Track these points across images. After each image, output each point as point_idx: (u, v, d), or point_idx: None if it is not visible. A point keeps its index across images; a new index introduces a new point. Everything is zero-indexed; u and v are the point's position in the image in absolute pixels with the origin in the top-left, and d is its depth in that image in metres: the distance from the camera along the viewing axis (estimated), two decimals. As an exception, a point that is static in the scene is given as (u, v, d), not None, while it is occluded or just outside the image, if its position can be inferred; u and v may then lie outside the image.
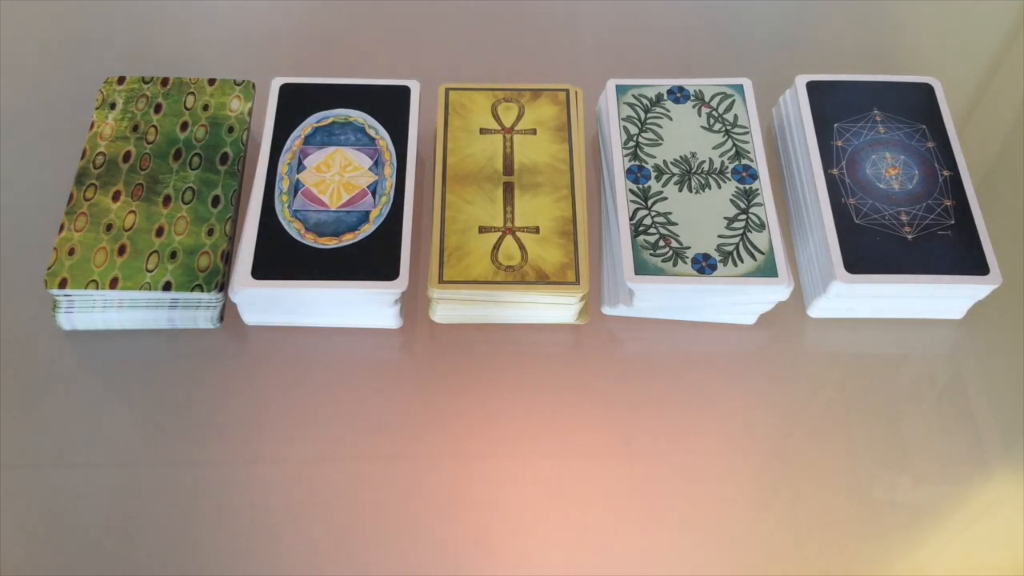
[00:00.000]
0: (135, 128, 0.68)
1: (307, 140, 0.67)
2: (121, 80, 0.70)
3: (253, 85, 0.71)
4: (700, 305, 0.65)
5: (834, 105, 0.70)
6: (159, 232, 0.63)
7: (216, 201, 0.65)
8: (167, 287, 0.61)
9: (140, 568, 0.56)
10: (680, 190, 0.65)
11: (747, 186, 0.66)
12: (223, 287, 0.62)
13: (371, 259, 0.61)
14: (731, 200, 0.65)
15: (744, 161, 0.67)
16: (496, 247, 0.63)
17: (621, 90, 0.70)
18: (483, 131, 0.68)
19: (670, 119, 0.69)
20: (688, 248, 0.63)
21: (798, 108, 0.70)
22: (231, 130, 0.69)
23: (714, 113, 0.69)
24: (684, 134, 0.68)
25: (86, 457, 0.60)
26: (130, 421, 0.61)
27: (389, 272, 0.61)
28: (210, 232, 0.64)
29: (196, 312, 0.63)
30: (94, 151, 0.67)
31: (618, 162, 0.67)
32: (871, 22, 0.84)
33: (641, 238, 0.63)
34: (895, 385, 0.65)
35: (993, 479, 0.61)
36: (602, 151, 0.71)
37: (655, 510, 0.59)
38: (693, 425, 0.62)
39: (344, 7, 0.83)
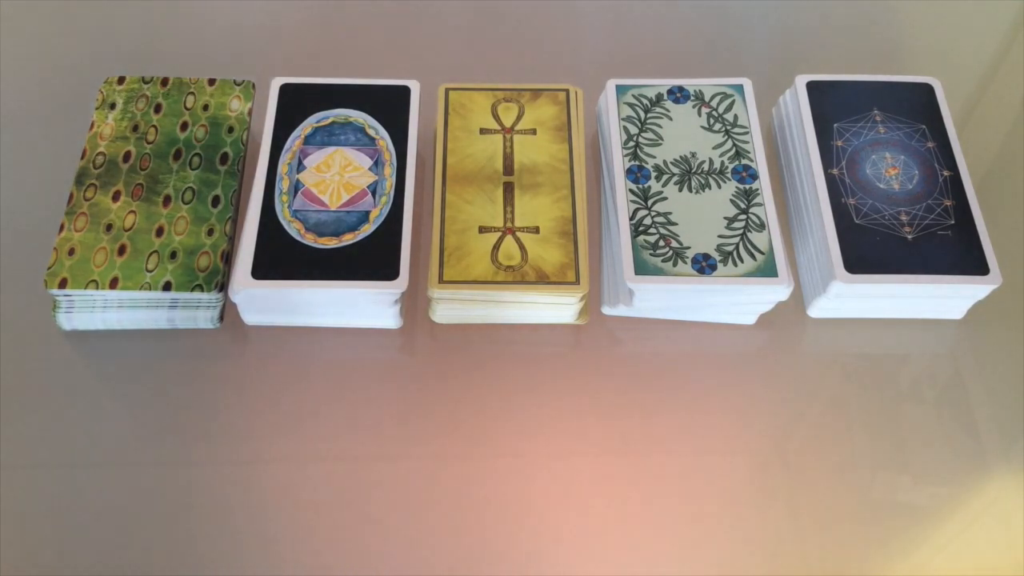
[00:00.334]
0: (135, 128, 0.68)
1: (307, 140, 0.67)
2: (121, 80, 0.70)
3: (253, 85, 0.71)
4: (700, 305, 0.65)
5: (834, 105, 0.70)
6: (159, 232, 0.63)
7: (216, 201, 0.65)
8: (167, 287, 0.61)
9: (140, 568, 0.56)
10: (680, 190, 0.65)
11: (747, 186, 0.66)
12: (223, 287, 0.62)
13: (371, 259, 0.61)
14: (731, 200, 0.65)
15: (744, 161, 0.67)
16: (496, 247, 0.63)
17: (621, 90, 0.70)
18: (483, 131, 0.68)
19: (670, 119, 0.69)
20: (688, 248, 0.63)
21: (798, 108, 0.70)
22: (231, 130, 0.69)
23: (714, 113, 0.69)
24: (684, 134, 0.68)
25: (86, 457, 0.60)
26: (130, 421, 0.61)
27: (389, 272, 0.61)
28: (210, 232, 0.64)
29: (196, 312, 0.63)
30: (94, 151, 0.67)
31: (618, 162, 0.67)
32: (871, 22, 0.84)
33: (641, 238, 0.63)
34: (895, 385, 0.65)
35: (993, 479, 0.61)
36: (602, 151, 0.71)
37: (655, 510, 0.59)
38: (693, 425, 0.62)
39: (344, 7, 0.83)
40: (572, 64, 0.80)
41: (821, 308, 0.66)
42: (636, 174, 0.66)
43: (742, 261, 0.62)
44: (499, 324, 0.66)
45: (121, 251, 0.62)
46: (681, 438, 0.62)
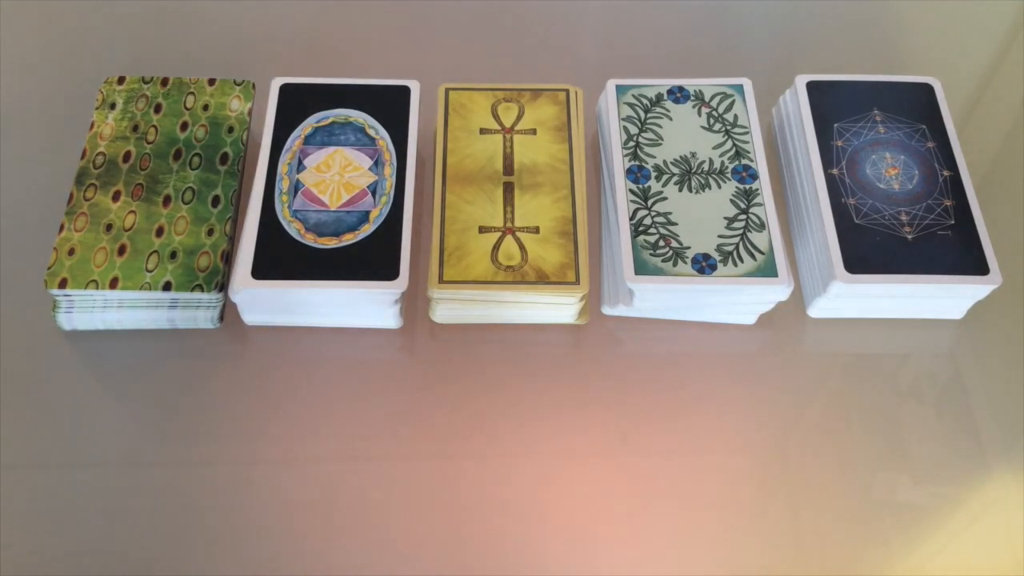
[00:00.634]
0: (135, 128, 0.68)
1: (307, 140, 0.67)
2: (121, 80, 0.70)
3: (253, 85, 0.71)
4: (700, 305, 0.65)
5: (834, 105, 0.70)
6: (159, 232, 0.63)
7: (216, 201, 0.65)
8: (167, 287, 0.61)
9: (140, 568, 0.56)
10: (680, 190, 0.65)
11: (747, 186, 0.66)
12: (223, 287, 0.62)
13: (371, 259, 0.61)
14: (731, 200, 0.65)
15: (744, 161, 0.67)
16: (496, 247, 0.63)
17: (621, 90, 0.70)
18: (483, 131, 0.68)
19: (670, 119, 0.69)
20: (688, 248, 0.63)
21: (798, 108, 0.70)
22: (231, 130, 0.69)
23: (714, 113, 0.69)
24: (684, 134, 0.68)
25: (86, 457, 0.60)
26: (130, 421, 0.61)
27: (389, 272, 0.61)
28: (210, 232, 0.64)
29: (196, 312, 0.63)
30: (94, 151, 0.67)
31: (618, 162, 0.67)
32: (871, 22, 0.84)
33: (641, 238, 0.63)
34: (895, 385, 0.65)
35: (993, 479, 0.61)
36: (602, 151, 0.71)
37: (655, 510, 0.59)
38: (693, 425, 0.62)
39: (344, 7, 0.83)
40: (572, 64, 0.80)
41: (821, 308, 0.66)
42: (636, 174, 0.66)
43: (742, 261, 0.62)
44: (499, 324, 0.66)
45: (121, 251, 0.62)
46: (681, 438, 0.62)
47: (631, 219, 0.64)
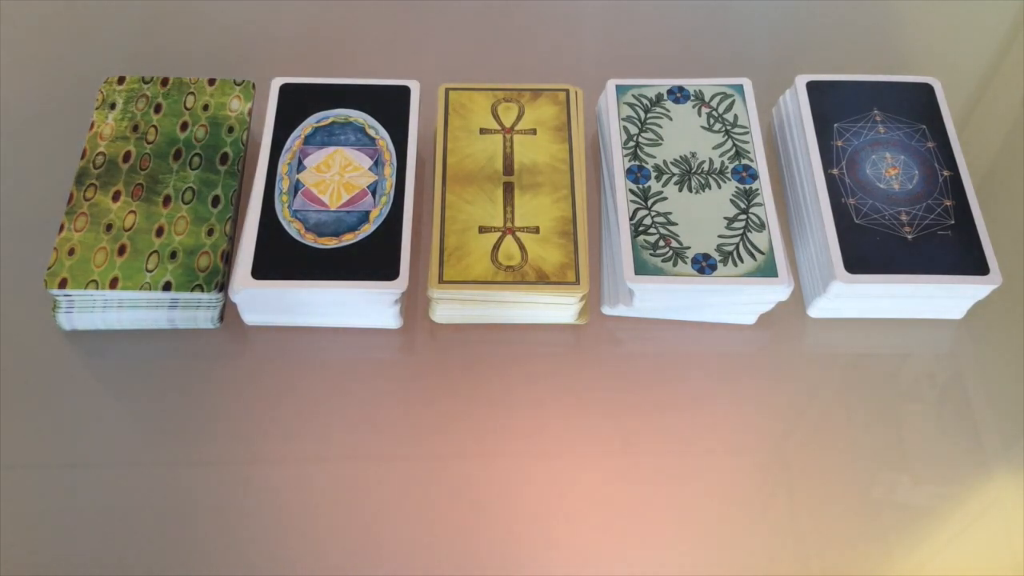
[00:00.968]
0: (135, 128, 0.68)
1: (307, 140, 0.67)
2: (121, 80, 0.70)
3: (253, 85, 0.71)
4: (700, 305, 0.65)
5: (834, 105, 0.70)
6: (159, 232, 0.63)
7: (216, 201, 0.65)
8: (167, 287, 0.61)
9: (140, 568, 0.56)
10: (680, 190, 0.65)
11: (747, 186, 0.66)
12: (223, 287, 0.62)
13: (371, 259, 0.61)
14: (731, 200, 0.65)
15: (744, 161, 0.67)
16: (496, 247, 0.63)
17: (621, 90, 0.70)
18: (483, 131, 0.68)
19: (670, 119, 0.69)
20: (688, 248, 0.63)
21: (798, 108, 0.70)
22: (231, 130, 0.69)
23: (714, 113, 0.69)
24: (684, 134, 0.68)
25: (86, 457, 0.60)
26: (130, 421, 0.61)
27: (389, 272, 0.61)
28: (210, 232, 0.64)
29: (196, 312, 0.63)
30: (94, 151, 0.67)
31: (618, 162, 0.67)
32: (871, 22, 0.84)
33: (641, 238, 0.63)
34: (895, 385, 0.65)
35: (993, 479, 0.61)
36: (602, 151, 0.71)
37: (655, 510, 0.59)
38: (693, 425, 0.62)
39: (344, 7, 0.83)
40: (572, 64, 0.80)
41: (821, 308, 0.66)
42: (636, 174, 0.66)
43: (742, 261, 0.62)
44: (499, 324, 0.66)
45: (121, 251, 0.62)
46: (681, 438, 0.62)
47: (631, 219, 0.64)
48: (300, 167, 0.65)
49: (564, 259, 0.63)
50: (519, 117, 0.69)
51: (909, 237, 0.64)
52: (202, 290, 0.61)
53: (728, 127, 0.69)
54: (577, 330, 0.66)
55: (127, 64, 0.77)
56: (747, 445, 0.62)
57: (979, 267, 0.63)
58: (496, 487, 0.60)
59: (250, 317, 0.64)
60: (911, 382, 0.65)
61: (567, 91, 0.71)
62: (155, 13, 0.82)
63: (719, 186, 0.66)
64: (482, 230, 0.64)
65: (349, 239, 0.62)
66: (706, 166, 0.67)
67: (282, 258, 0.61)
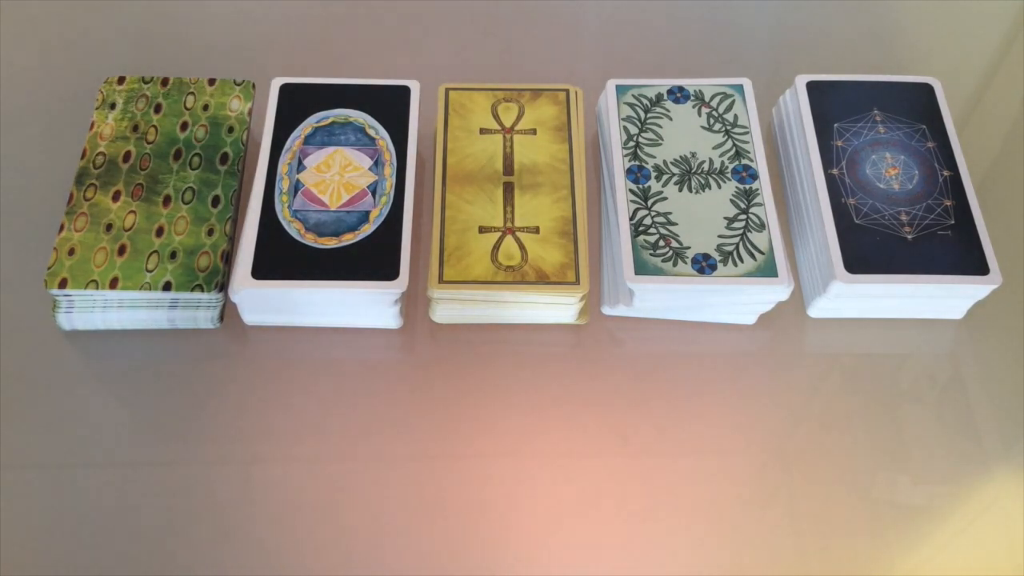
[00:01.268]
0: (135, 128, 0.68)
1: (307, 140, 0.67)
2: (121, 80, 0.70)
3: (253, 85, 0.71)
4: (700, 305, 0.65)
5: (834, 105, 0.70)
6: (159, 232, 0.63)
7: (216, 201, 0.65)
8: (167, 287, 0.61)
9: (140, 568, 0.56)
10: (680, 190, 0.65)
11: (747, 186, 0.66)
12: (223, 287, 0.62)
13: (371, 259, 0.61)
14: (731, 200, 0.65)
15: (744, 161, 0.67)
16: (496, 247, 0.63)
17: (621, 90, 0.70)
18: (483, 131, 0.68)
19: (670, 119, 0.69)
20: (688, 248, 0.63)
21: (798, 108, 0.70)
22: (231, 130, 0.69)
23: (714, 113, 0.69)
24: (684, 134, 0.68)
25: (86, 457, 0.60)
26: (130, 421, 0.61)
27: (389, 272, 0.61)
28: (210, 232, 0.64)
29: (196, 312, 0.63)
30: (94, 151, 0.67)
31: (618, 162, 0.67)
32: (871, 22, 0.84)
33: (641, 238, 0.63)
34: (895, 385, 0.65)
35: (993, 479, 0.61)
36: (602, 151, 0.71)
37: (655, 510, 0.59)
38: (693, 425, 0.62)
39: (344, 7, 0.83)
40: (572, 64, 0.80)
41: (821, 308, 0.66)
42: (636, 174, 0.66)
43: (742, 261, 0.62)
44: (499, 324, 0.66)
45: (121, 251, 0.62)
46: (681, 438, 0.62)
47: (631, 219, 0.64)
48: (300, 167, 0.65)
49: (564, 259, 0.63)
50: (519, 117, 0.69)
51: (909, 237, 0.64)
52: (202, 290, 0.61)
53: (728, 127, 0.69)
54: (577, 330, 0.66)
55: (127, 64, 0.76)
56: (747, 445, 0.62)
57: (979, 267, 0.63)
58: (496, 487, 0.60)
59: (250, 317, 0.64)
60: (911, 382, 0.65)
61: (567, 91, 0.71)
62: (155, 13, 0.82)
63: (719, 186, 0.66)
64: (482, 230, 0.64)
65: (349, 239, 0.62)
66: (706, 166, 0.67)
67: (282, 258, 0.61)
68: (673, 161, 0.67)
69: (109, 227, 0.63)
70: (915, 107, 0.70)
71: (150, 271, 0.62)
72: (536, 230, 0.64)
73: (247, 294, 0.61)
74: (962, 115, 0.78)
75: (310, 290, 0.61)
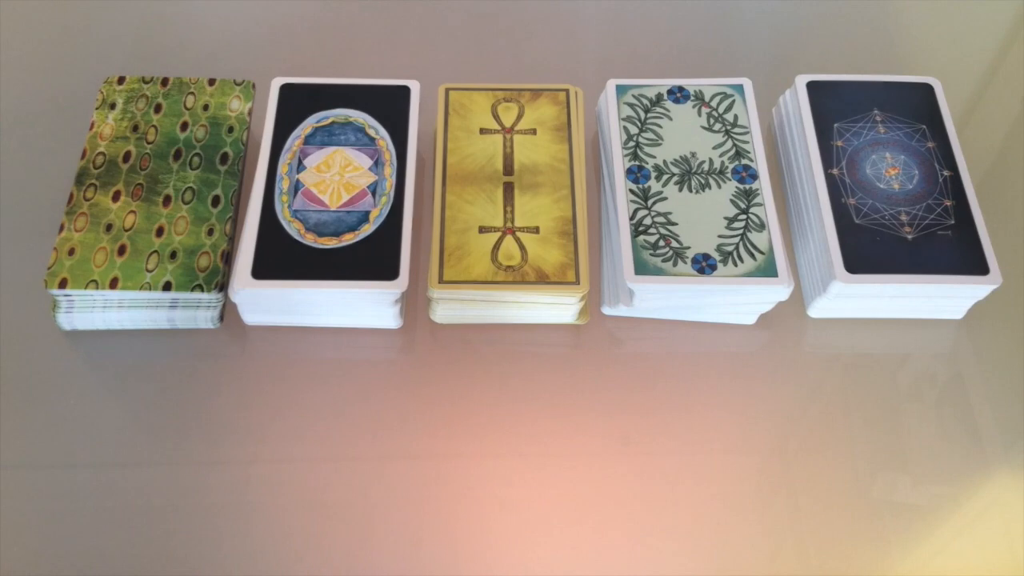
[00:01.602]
0: (135, 128, 0.68)
1: (307, 140, 0.67)
2: (121, 80, 0.70)
3: (253, 85, 0.71)
4: (700, 305, 0.65)
5: (834, 105, 0.70)
6: (159, 232, 0.63)
7: (216, 201, 0.65)
8: (167, 287, 0.61)
9: (140, 568, 0.56)
10: (680, 190, 0.65)
11: (747, 186, 0.66)
12: (223, 287, 0.62)
13: (371, 259, 0.61)
14: (731, 200, 0.65)
15: (744, 161, 0.67)
16: (496, 247, 0.63)
17: (621, 90, 0.70)
18: (483, 131, 0.68)
19: (670, 119, 0.69)
20: (688, 248, 0.63)
21: (798, 108, 0.70)
22: (231, 130, 0.69)
23: (714, 113, 0.69)
24: (684, 134, 0.68)
25: (86, 457, 0.60)
26: (130, 421, 0.61)
27: (389, 272, 0.61)
28: (210, 232, 0.64)
29: (196, 312, 0.63)
30: (94, 151, 0.67)
31: (618, 162, 0.67)
32: (871, 22, 0.84)
33: (641, 238, 0.63)
34: (895, 385, 0.65)
35: (993, 479, 0.61)
36: (602, 151, 0.71)
37: (655, 510, 0.59)
38: (693, 425, 0.62)
39: (344, 7, 0.83)
40: (572, 64, 0.80)
41: (821, 308, 0.66)
42: (636, 174, 0.66)
43: (742, 261, 0.62)
44: (499, 324, 0.66)
45: (121, 251, 0.62)
46: (681, 438, 0.62)
47: (631, 219, 0.64)
48: (300, 167, 0.65)
49: (564, 259, 0.63)
50: (519, 117, 0.69)
51: (909, 237, 0.64)
52: (202, 290, 0.61)
53: (728, 127, 0.69)
54: (577, 330, 0.66)
55: (127, 64, 0.77)
56: (747, 445, 0.62)
57: (979, 267, 0.63)
58: (496, 487, 0.60)
59: (250, 317, 0.64)
60: (911, 382, 0.65)
61: (567, 91, 0.71)
62: (155, 13, 0.82)
63: (719, 186, 0.66)
64: (482, 230, 0.64)
65: (349, 239, 0.62)
66: (706, 166, 0.67)
67: (282, 258, 0.61)
68: (673, 161, 0.67)
69: (109, 227, 0.63)
70: (915, 107, 0.70)
71: (150, 271, 0.62)
72: (536, 230, 0.64)
73: (247, 294, 0.61)
74: (962, 115, 0.78)
75: (310, 290, 0.61)
